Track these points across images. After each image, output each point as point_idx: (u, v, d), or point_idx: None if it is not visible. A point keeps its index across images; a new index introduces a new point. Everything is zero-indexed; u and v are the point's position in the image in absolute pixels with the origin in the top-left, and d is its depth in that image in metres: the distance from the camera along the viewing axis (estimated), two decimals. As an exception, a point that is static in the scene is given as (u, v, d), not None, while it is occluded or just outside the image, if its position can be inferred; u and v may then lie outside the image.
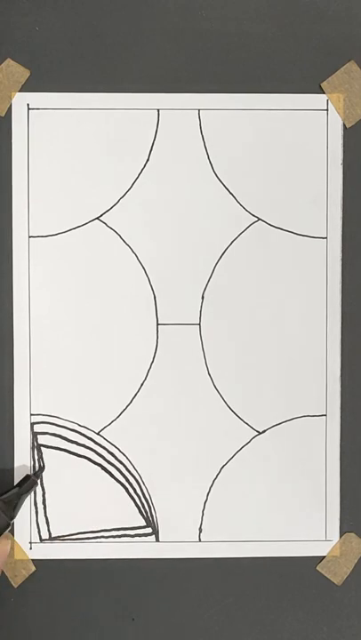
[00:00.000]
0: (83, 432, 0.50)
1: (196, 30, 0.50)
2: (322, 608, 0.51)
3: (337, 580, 0.51)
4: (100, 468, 0.50)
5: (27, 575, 0.49)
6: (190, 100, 0.50)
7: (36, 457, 0.50)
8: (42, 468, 0.50)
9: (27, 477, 0.49)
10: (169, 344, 0.50)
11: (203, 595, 0.50)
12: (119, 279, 0.50)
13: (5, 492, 0.48)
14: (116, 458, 0.50)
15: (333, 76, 0.50)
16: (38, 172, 0.50)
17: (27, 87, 0.50)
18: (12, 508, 0.47)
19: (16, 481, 0.49)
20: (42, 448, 0.50)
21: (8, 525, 0.47)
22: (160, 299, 0.50)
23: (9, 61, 0.49)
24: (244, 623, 0.50)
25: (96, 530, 0.50)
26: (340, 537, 0.51)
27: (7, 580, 0.49)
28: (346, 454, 0.51)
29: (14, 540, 0.50)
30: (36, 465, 0.50)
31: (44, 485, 0.50)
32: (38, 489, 0.50)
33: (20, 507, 0.48)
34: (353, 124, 0.50)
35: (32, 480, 0.49)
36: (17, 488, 0.48)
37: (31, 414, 0.50)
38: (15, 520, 0.49)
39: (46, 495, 0.50)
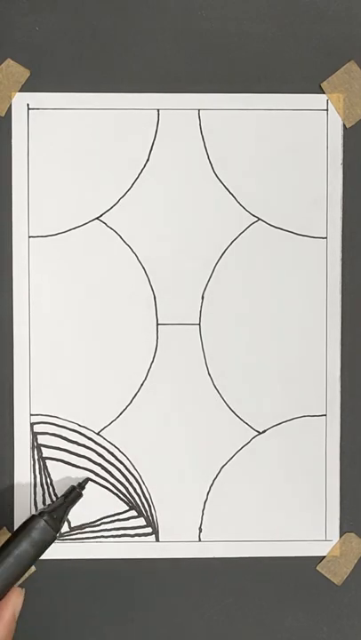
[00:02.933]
0: (83, 432, 0.50)
1: (196, 30, 0.50)
2: (322, 608, 0.51)
3: (337, 580, 0.51)
4: (100, 468, 0.50)
5: (26, 575, 0.49)
6: (190, 100, 0.50)
7: (36, 457, 0.50)
8: (86, 480, 0.49)
9: (72, 489, 0.48)
10: (169, 344, 0.50)
11: (203, 595, 0.50)
12: (119, 279, 0.50)
13: (51, 505, 0.47)
14: (116, 458, 0.50)
15: (333, 76, 0.50)
16: (38, 172, 0.50)
17: (27, 87, 0.50)
18: (59, 521, 0.46)
19: (22, 482, 0.49)
20: (42, 448, 0.50)
21: (54, 539, 0.46)
22: (160, 299, 0.50)
23: (9, 61, 0.49)
24: (244, 623, 0.50)
25: (96, 530, 0.50)
26: (340, 537, 0.51)
27: (7, 579, 0.49)
28: (346, 454, 0.51)
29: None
30: (36, 465, 0.50)
31: (44, 485, 0.50)
32: (38, 489, 0.50)
33: (65, 520, 0.47)
34: (353, 123, 0.50)
35: (77, 492, 0.48)
36: (62, 499, 0.47)
37: (31, 414, 0.50)
38: (15, 521, 0.49)
39: (46, 495, 0.50)
